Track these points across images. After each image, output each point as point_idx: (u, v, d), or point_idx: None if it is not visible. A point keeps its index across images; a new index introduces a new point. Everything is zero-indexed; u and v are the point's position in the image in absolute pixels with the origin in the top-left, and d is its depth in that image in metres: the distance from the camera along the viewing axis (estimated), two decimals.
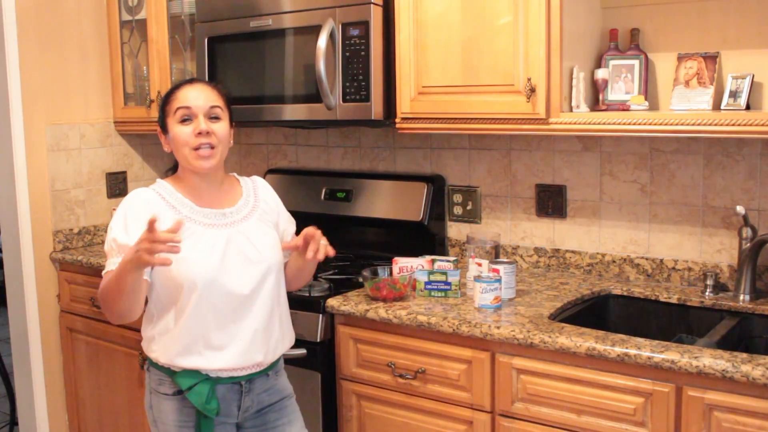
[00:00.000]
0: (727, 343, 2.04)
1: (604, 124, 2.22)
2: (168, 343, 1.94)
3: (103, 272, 1.95)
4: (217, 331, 1.92)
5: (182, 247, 1.86)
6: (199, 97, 1.95)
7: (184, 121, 1.93)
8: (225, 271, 1.91)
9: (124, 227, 1.90)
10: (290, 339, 2.10)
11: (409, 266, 2.48)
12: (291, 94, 2.75)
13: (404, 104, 2.54)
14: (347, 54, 2.56)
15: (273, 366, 2.05)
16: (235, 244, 1.95)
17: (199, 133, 1.92)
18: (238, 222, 1.99)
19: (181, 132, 1.93)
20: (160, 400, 1.99)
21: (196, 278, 1.88)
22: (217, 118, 1.96)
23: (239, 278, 1.93)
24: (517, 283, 2.45)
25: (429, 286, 2.40)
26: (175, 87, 2.00)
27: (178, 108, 1.93)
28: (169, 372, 1.96)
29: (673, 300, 2.35)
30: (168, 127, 1.96)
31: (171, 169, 2.09)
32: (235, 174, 2.13)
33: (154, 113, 3.10)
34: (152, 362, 2.00)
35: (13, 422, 3.56)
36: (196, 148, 1.92)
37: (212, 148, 1.94)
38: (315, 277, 2.42)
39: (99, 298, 1.92)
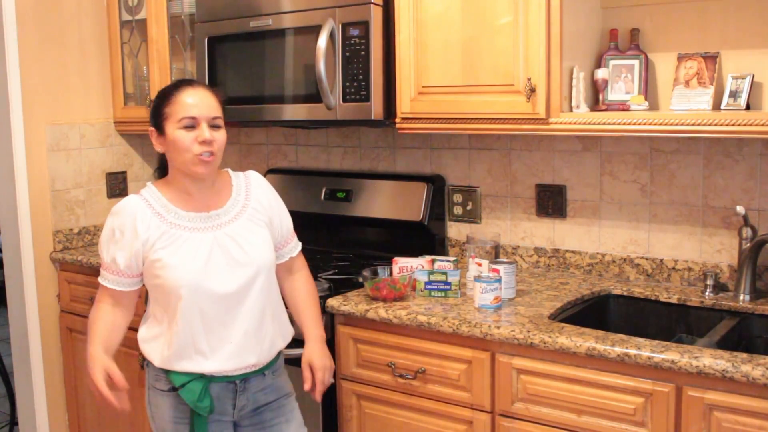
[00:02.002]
0: (727, 343, 2.04)
1: (604, 124, 2.22)
2: (161, 348, 1.95)
3: (99, 278, 1.99)
4: (207, 335, 1.92)
5: (166, 253, 1.89)
6: (203, 105, 1.94)
7: (186, 127, 1.92)
8: (210, 275, 1.91)
9: (112, 244, 1.94)
10: (285, 337, 2.10)
11: (409, 266, 2.48)
12: (291, 94, 2.75)
13: (404, 104, 2.54)
14: (347, 54, 2.55)
15: (270, 365, 2.04)
16: (221, 247, 1.94)
17: (203, 142, 1.91)
18: (225, 224, 1.98)
19: (184, 138, 1.91)
20: (156, 396, 2.00)
21: (180, 283, 1.88)
22: (218, 127, 1.96)
23: (226, 282, 1.92)
24: (517, 283, 2.45)
25: (429, 286, 2.40)
26: (174, 89, 1.97)
27: (183, 117, 1.91)
28: (165, 369, 1.97)
29: (673, 300, 2.35)
30: (165, 130, 1.94)
31: (159, 168, 2.09)
32: (229, 170, 2.11)
33: None
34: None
35: (13, 422, 3.56)
36: (198, 154, 1.92)
37: (212, 155, 1.94)
38: (315, 278, 2.41)
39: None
